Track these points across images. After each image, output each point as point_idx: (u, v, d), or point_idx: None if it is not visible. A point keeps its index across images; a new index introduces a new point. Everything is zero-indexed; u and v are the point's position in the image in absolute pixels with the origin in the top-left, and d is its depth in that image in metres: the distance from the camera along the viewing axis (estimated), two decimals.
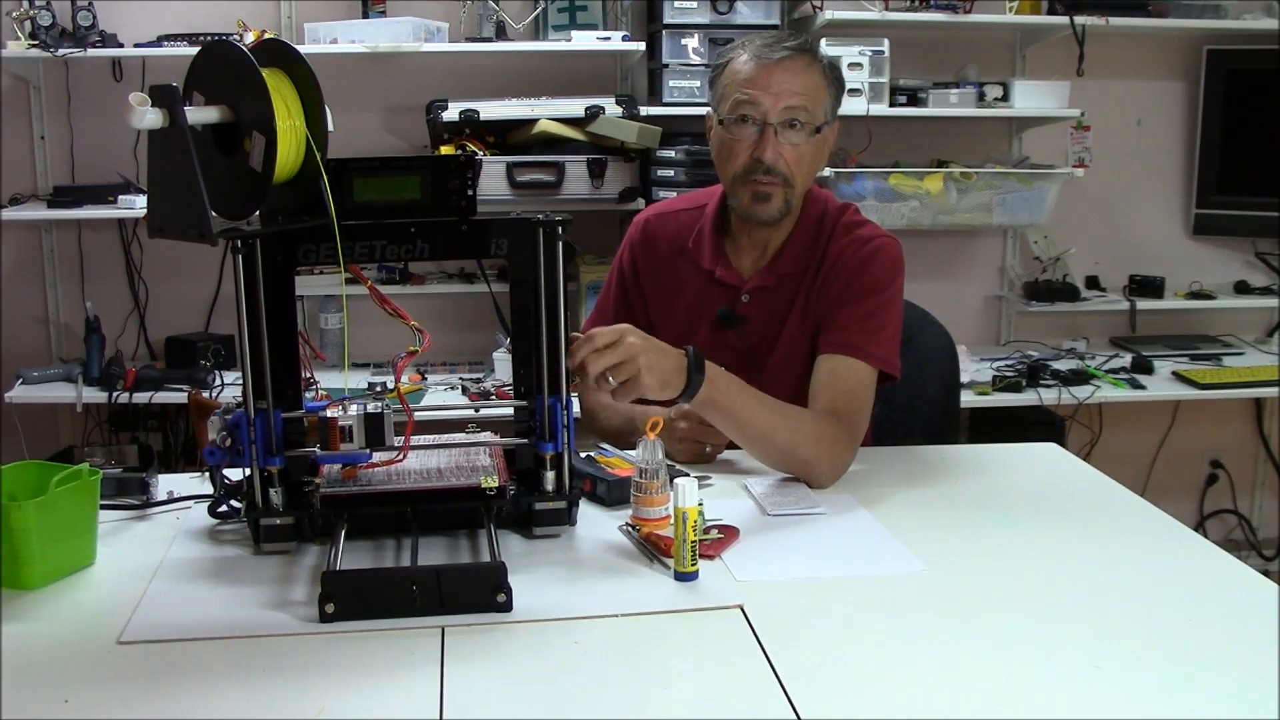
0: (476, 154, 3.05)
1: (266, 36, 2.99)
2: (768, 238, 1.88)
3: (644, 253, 1.99)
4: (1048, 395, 3.18)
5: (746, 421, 1.64)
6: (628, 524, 1.48)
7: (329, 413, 1.39)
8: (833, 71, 1.83)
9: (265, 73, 1.31)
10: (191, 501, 1.58)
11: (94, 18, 3.04)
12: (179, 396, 2.99)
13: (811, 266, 1.86)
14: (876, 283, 1.82)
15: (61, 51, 2.97)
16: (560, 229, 1.42)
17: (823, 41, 3.18)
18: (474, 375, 3.19)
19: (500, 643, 1.20)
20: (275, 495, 1.39)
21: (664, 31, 3.16)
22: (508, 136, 3.15)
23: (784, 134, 1.77)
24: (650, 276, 1.98)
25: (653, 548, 1.41)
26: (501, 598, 1.25)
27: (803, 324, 1.86)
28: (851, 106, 3.15)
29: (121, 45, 3.07)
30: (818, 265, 1.86)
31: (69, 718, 1.06)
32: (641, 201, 3.09)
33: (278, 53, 1.37)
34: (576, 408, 1.48)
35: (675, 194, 2.88)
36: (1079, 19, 3.26)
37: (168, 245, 1.44)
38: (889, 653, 1.18)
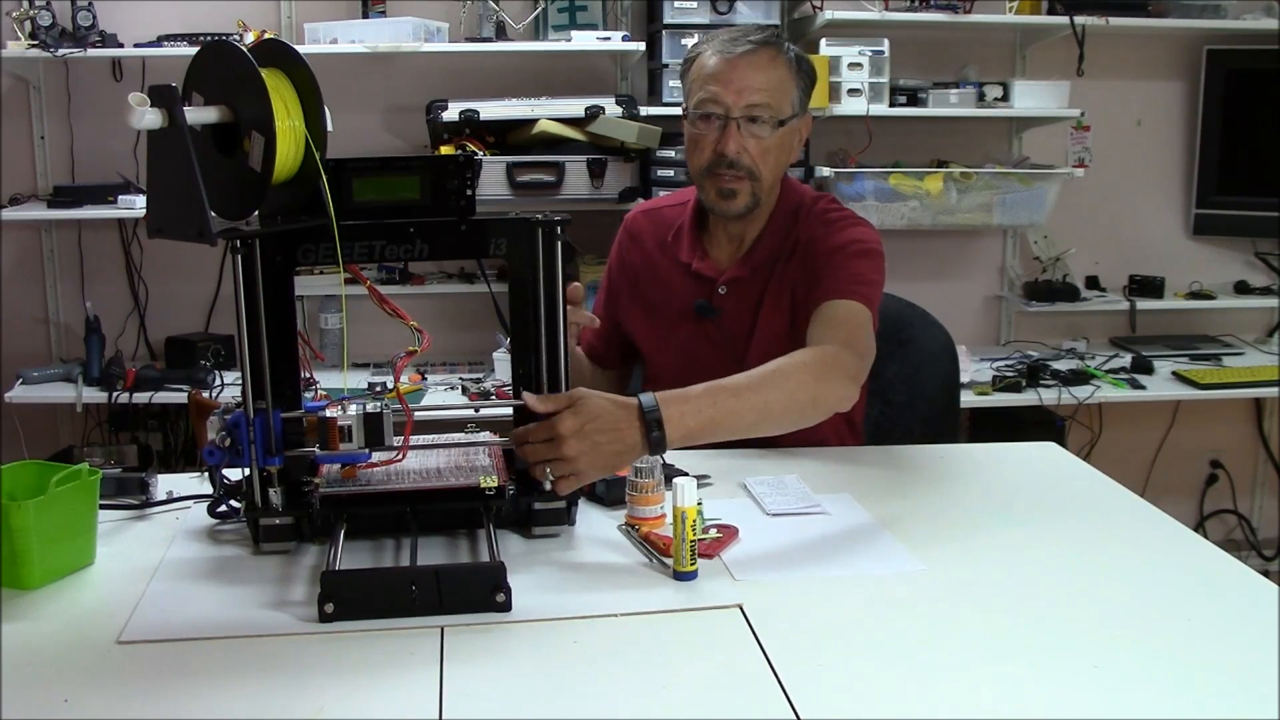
0: (476, 154, 3.04)
1: (266, 36, 2.99)
2: (743, 230, 1.90)
3: (631, 249, 2.02)
4: (1048, 395, 3.18)
5: (736, 427, 1.52)
6: (626, 524, 1.48)
7: (328, 413, 1.39)
8: (800, 64, 1.83)
9: (264, 73, 1.31)
10: (191, 501, 1.58)
11: (94, 18, 3.04)
12: (179, 396, 2.99)
13: (784, 254, 1.88)
14: (852, 242, 1.82)
15: (61, 51, 2.97)
16: (559, 229, 1.42)
17: (823, 41, 3.19)
18: (474, 375, 3.19)
19: (499, 643, 1.20)
20: (275, 495, 1.39)
21: (664, 31, 3.16)
22: (508, 136, 3.15)
23: (747, 128, 1.78)
24: (637, 273, 2.01)
25: (652, 547, 1.41)
26: (501, 597, 1.25)
27: (776, 308, 1.86)
28: (851, 106, 3.16)
29: (121, 45, 3.07)
30: (790, 251, 1.87)
31: (69, 718, 1.06)
32: (641, 201, 3.09)
33: (277, 53, 1.37)
34: None
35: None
36: (1079, 19, 3.26)
37: (168, 245, 1.44)
38: (889, 653, 1.18)
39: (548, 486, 1.40)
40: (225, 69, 1.31)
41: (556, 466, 1.38)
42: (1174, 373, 3.34)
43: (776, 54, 1.80)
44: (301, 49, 1.63)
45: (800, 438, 1.83)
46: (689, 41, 3.14)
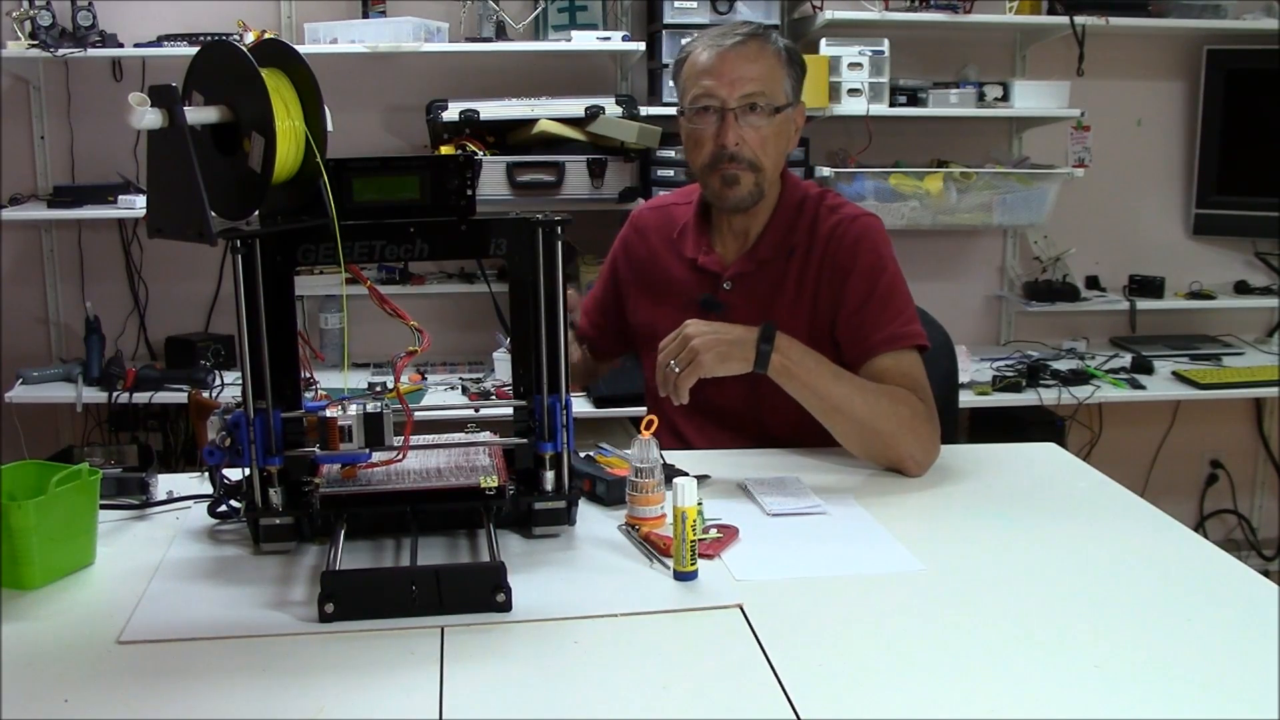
0: (476, 154, 3.04)
1: (266, 36, 2.99)
2: (747, 225, 1.91)
3: (637, 244, 2.04)
4: (1048, 395, 3.18)
5: (822, 392, 1.70)
6: (626, 523, 1.48)
7: (328, 413, 1.39)
8: (789, 54, 1.86)
9: (264, 73, 1.31)
10: (191, 501, 1.58)
11: (94, 18, 3.04)
12: (179, 396, 2.99)
13: (798, 249, 1.88)
14: (876, 265, 1.85)
15: (61, 51, 2.97)
16: (559, 229, 1.42)
17: (823, 41, 3.19)
18: (474, 375, 3.19)
19: (500, 643, 1.20)
20: (275, 495, 1.39)
21: (664, 31, 3.16)
22: (508, 136, 3.15)
23: (744, 118, 1.80)
24: (641, 267, 2.02)
25: (652, 547, 1.41)
26: (501, 597, 1.25)
27: (796, 304, 1.87)
28: (851, 106, 3.16)
29: (121, 45, 3.07)
30: (806, 248, 1.88)
31: (69, 718, 1.06)
32: (641, 202, 3.09)
33: (277, 53, 1.37)
34: None
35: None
36: (1079, 19, 3.26)
37: (168, 245, 1.44)
38: (888, 652, 1.18)
39: (676, 396, 1.65)
40: (225, 69, 1.31)
41: (681, 359, 1.64)
42: (1174, 373, 3.34)
43: (764, 44, 1.83)
44: (301, 49, 1.63)
45: (801, 437, 1.83)
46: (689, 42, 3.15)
